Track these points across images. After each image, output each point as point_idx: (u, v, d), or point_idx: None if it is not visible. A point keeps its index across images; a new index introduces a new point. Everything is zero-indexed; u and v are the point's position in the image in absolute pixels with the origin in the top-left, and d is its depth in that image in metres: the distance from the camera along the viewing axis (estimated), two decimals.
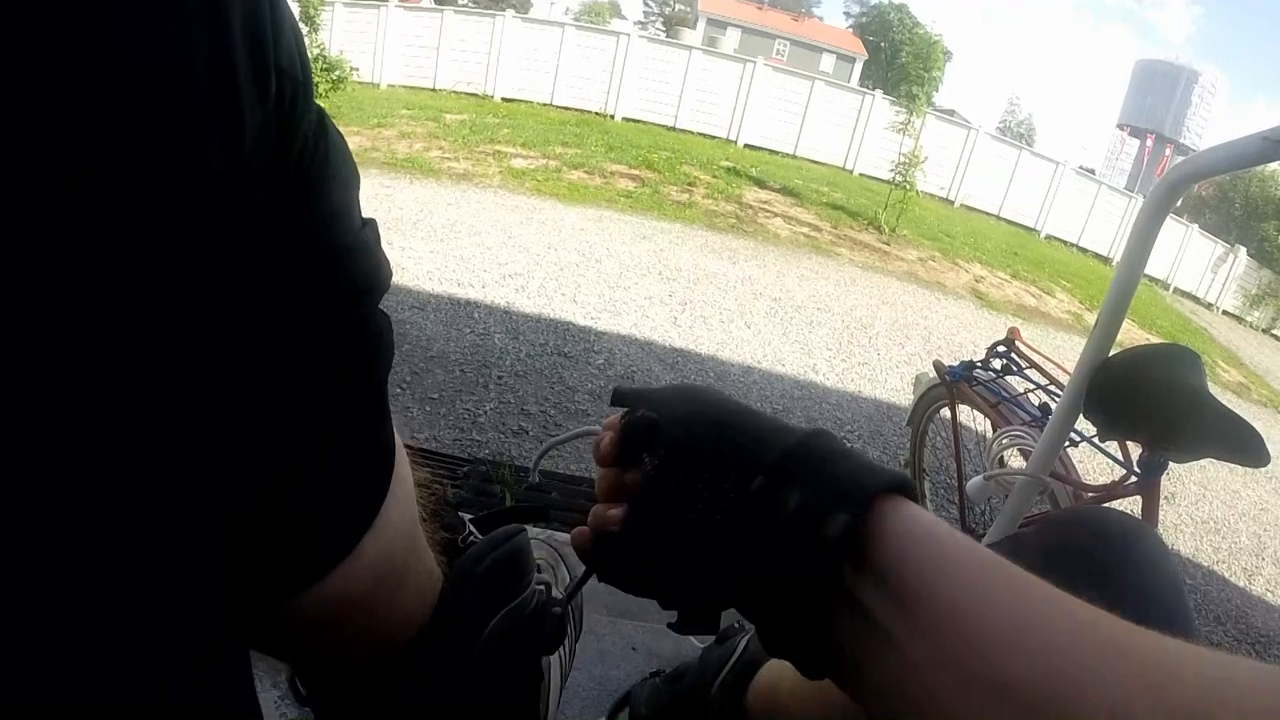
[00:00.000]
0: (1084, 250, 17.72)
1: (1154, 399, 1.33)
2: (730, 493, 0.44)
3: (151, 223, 0.25)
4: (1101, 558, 0.63)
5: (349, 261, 0.36)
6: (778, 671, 0.92)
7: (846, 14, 48.69)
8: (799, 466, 0.43)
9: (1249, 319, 18.75)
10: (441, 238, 6.05)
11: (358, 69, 12.10)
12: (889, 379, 5.16)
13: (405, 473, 0.46)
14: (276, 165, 0.31)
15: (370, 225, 0.38)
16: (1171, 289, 17.91)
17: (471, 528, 0.63)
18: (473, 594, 0.54)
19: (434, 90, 15.35)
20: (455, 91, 15.46)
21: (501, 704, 0.57)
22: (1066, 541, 0.67)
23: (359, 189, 0.38)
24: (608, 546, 0.48)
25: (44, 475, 0.25)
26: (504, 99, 15.54)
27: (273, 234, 0.31)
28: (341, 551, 0.40)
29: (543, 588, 0.63)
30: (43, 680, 0.27)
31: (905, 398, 4.74)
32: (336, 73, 11.25)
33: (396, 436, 0.45)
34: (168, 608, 0.31)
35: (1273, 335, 18.42)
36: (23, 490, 0.25)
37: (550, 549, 0.79)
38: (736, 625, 1.07)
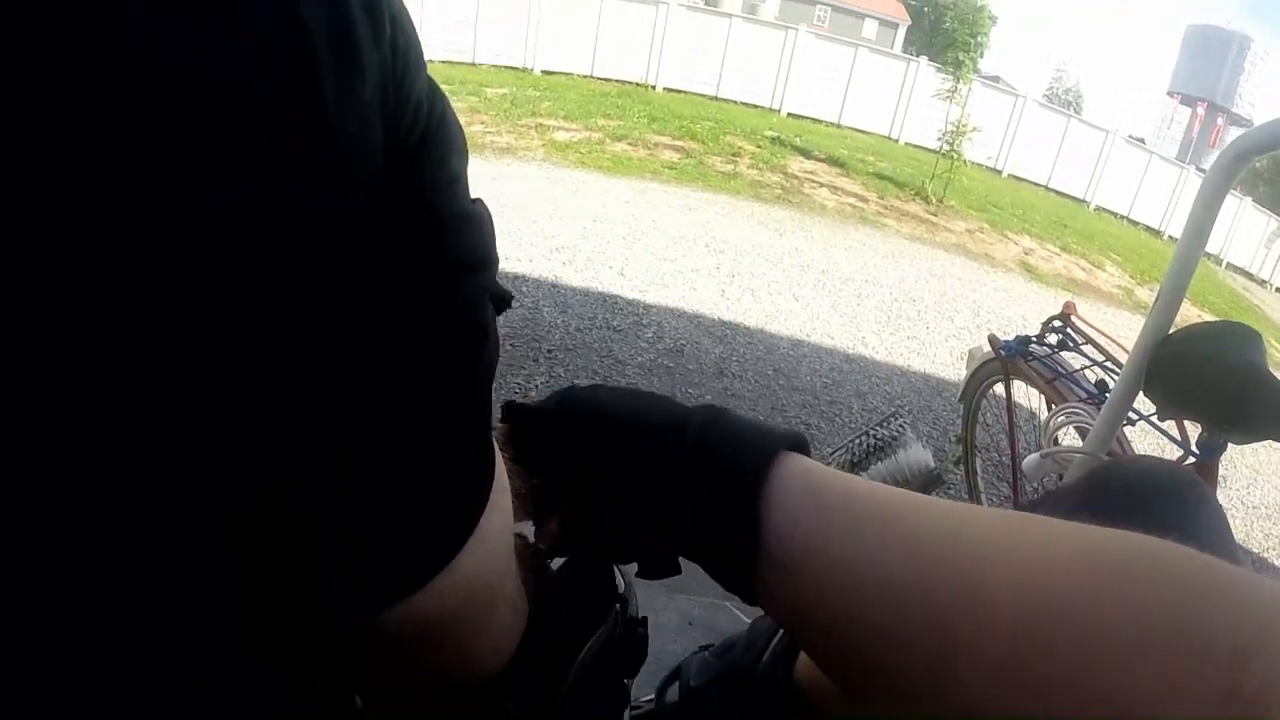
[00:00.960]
0: (1134, 223, 17.33)
1: (1214, 378, 1.33)
2: (653, 459, 0.50)
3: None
4: (1148, 507, 0.64)
5: (464, 230, 0.33)
6: None
7: None
8: (709, 432, 0.49)
9: None
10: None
11: None
12: (938, 353, 5.13)
13: (504, 482, 0.41)
14: (393, 121, 0.28)
15: (481, 203, 0.35)
16: (1224, 264, 17.45)
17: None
18: (563, 619, 0.52)
19: (473, 65, 15.31)
20: (495, 65, 15.42)
21: None
22: (1107, 489, 0.69)
23: (468, 165, 0.35)
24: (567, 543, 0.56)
25: (75, 476, 0.24)
26: (544, 72, 15.47)
27: (388, 195, 0.28)
28: (437, 565, 0.35)
29: (621, 606, 0.59)
30: (40, 683, 0.26)
31: (955, 372, 4.72)
32: None
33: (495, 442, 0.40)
34: (168, 606, 0.28)
35: None
36: (49, 489, 0.23)
37: None
38: None
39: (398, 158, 0.29)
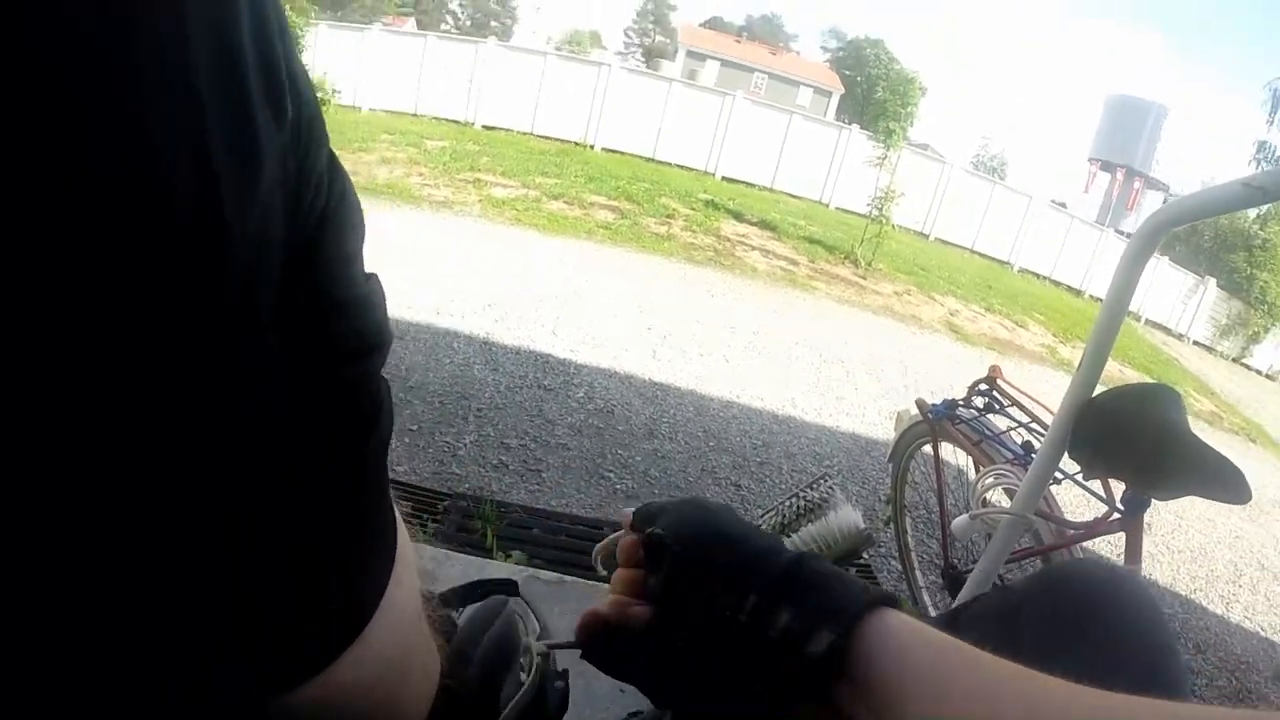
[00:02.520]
0: (1056, 283, 17.97)
1: (1137, 438, 1.35)
2: (726, 609, 0.50)
3: (154, 249, 0.23)
4: (1094, 614, 0.68)
5: (357, 313, 0.33)
6: None
7: (824, 49, 49.56)
8: (789, 588, 0.49)
9: (1219, 349, 19.09)
10: (421, 265, 6.03)
11: (339, 91, 12.10)
12: (866, 413, 5.18)
13: (407, 551, 0.42)
14: (293, 206, 0.28)
15: (375, 279, 0.35)
16: (1143, 320, 18.19)
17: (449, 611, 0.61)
18: (476, 677, 0.53)
19: (415, 115, 15.39)
20: (436, 117, 15.51)
21: None
22: (1058, 598, 0.72)
23: (364, 242, 0.35)
24: (619, 638, 0.54)
25: (34, 481, 0.23)
26: (484, 126, 15.61)
27: (284, 277, 0.28)
28: (344, 641, 0.36)
29: (540, 659, 0.61)
30: (38, 687, 0.26)
31: (883, 432, 4.76)
32: (319, 95, 11.22)
33: (396, 511, 0.41)
34: (166, 609, 0.28)
35: (1243, 364, 18.75)
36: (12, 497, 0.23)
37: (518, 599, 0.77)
38: None
39: (296, 239, 0.28)
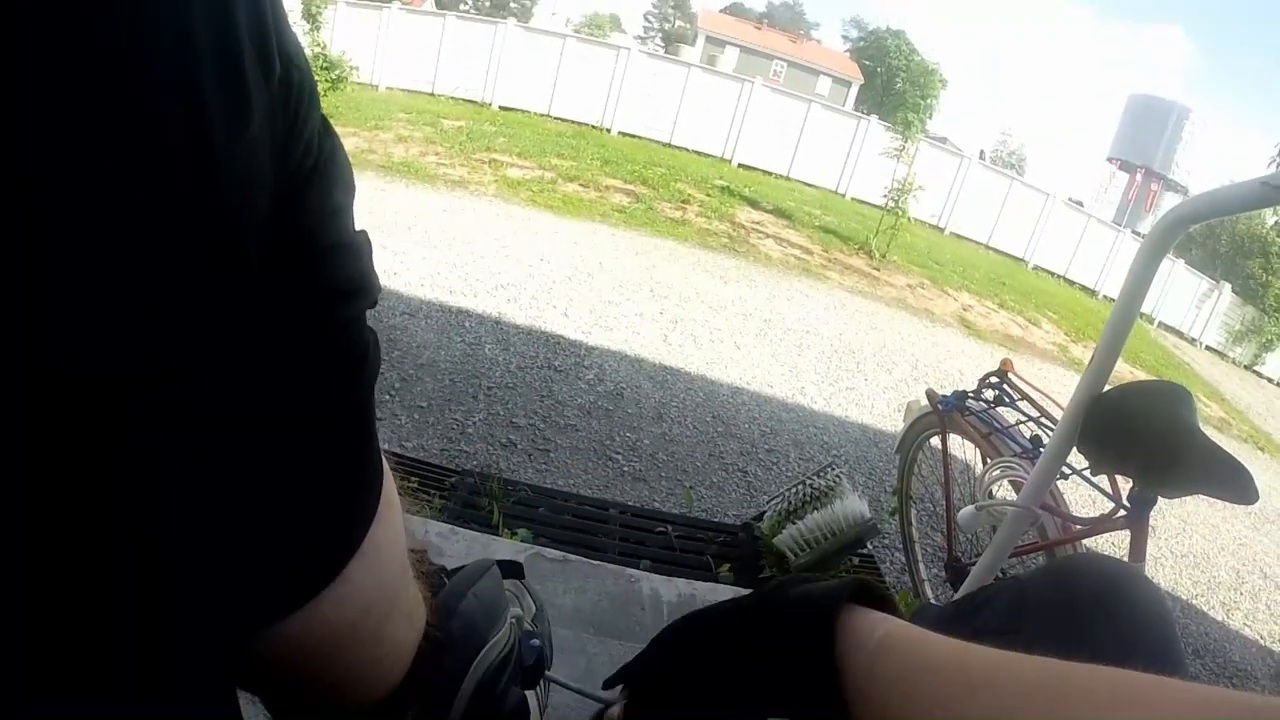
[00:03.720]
0: (1071, 282, 17.87)
1: (1146, 435, 1.35)
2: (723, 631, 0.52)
3: (148, 192, 0.24)
4: (1101, 606, 0.68)
5: (342, 259, 0.34)
6: None
7: (845, 38, 49.13)
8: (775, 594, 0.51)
9: (1231, 355, 18.97)
10: (435, 244, 6.04)
11: (357, 68, 12.11)
12: (875, 404, 5.18)
13: (393, 496, 0.43)
14: (282, 155, 0.30)
15: (364, 234, 0.37)
16: (1156, 323, 18.09)
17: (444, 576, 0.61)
18: (459, 630, 0.53)
19: (432, 95, 15.37)
20: (453, 97, 15.49)
21: None
22: (1064, 591, 0.71)
23: (354, 199, 0.37)
24: None
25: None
26: (501, 107, 15.57)
27: (271, 223, 0.30)
28: (328, 576, 0.37)
29: (515, 620, 0.63)
30: (34, 685, 0.26)
31: (891, 424, 4.76)
32: (336, 72, 11.24)
33: (384, 458, 0.42)
34: (153, 539, 0.29)
35: (1254, 372, 18.62)
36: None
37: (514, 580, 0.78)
38: None
39: (285, 189, 0.30)
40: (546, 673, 0.67)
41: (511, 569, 0.72)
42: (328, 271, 0.33)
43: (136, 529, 0.28)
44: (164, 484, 0.29)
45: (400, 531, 0.44)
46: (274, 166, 0.29)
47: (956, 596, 1.65)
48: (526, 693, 0.61)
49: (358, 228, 0.36)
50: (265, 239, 0.29)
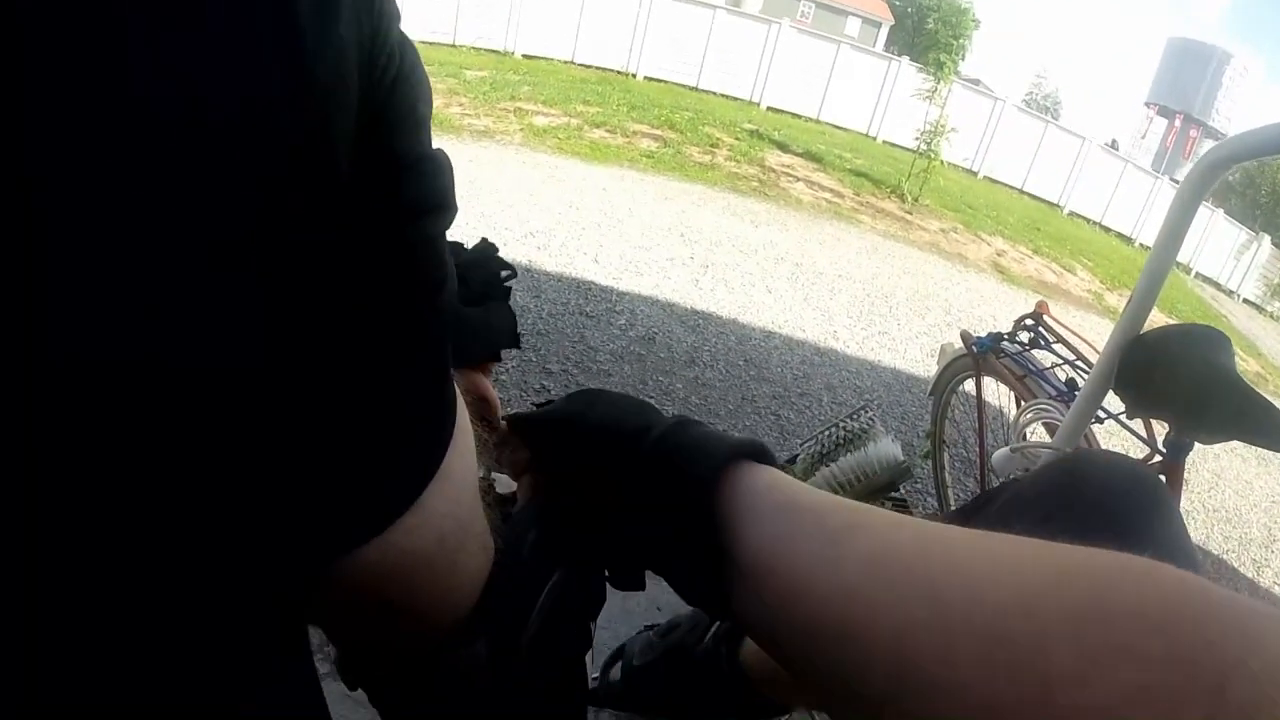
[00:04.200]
0: (1107, 229, 17.57)
1: (1183, 378, 1.34)
2: (614, 468, 0.52)
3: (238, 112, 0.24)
4: (1102, 508, 0.64)
5: (424, 174, 0.34)
6: None
7: None
8: (666, 441, 0.51)
9: (1269, 309, 18.61)
10: (462, 194, 5.90)
11: None
12: (908, 349, 5.16)
13: (465, 422, 0.42)
14: (368, 62, 0.29)
15: (441, 151, 0.36)
16: (1193, 273, 17.76)
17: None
18: (529, 558, 0.54)
19: (454, 46, 15.19)
20: (475, 48, 15.30)
21: (558, 673, 0.57)
22: (1067, 490, 0.67)
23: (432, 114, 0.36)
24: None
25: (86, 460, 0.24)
26: (525, 56, 15.38)
27: (359, 136, 0.29)
28: (404, 502, 0.36)
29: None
30: (94, 677, 0.27)
31: (924, 369, 4.76)
32: None
33: (457, 388, 0.41)
34: (227, 602, 0.30)
35: None
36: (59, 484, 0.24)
37: None
38: None
39: (369, 96, 0.29)
40: None
41: None
42: (410, 186, 0.33)
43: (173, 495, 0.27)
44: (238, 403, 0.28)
45: (473, 458, 0.43)
46: (360, 74, 0.28)
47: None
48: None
49: None
50: (351, 145, 0.29)
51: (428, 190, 0.34)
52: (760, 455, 0.49)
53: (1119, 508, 0.64)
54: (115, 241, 0.22)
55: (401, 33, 0.32)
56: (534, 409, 0.59)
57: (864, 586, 0.39)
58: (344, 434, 0.33)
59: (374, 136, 0.30)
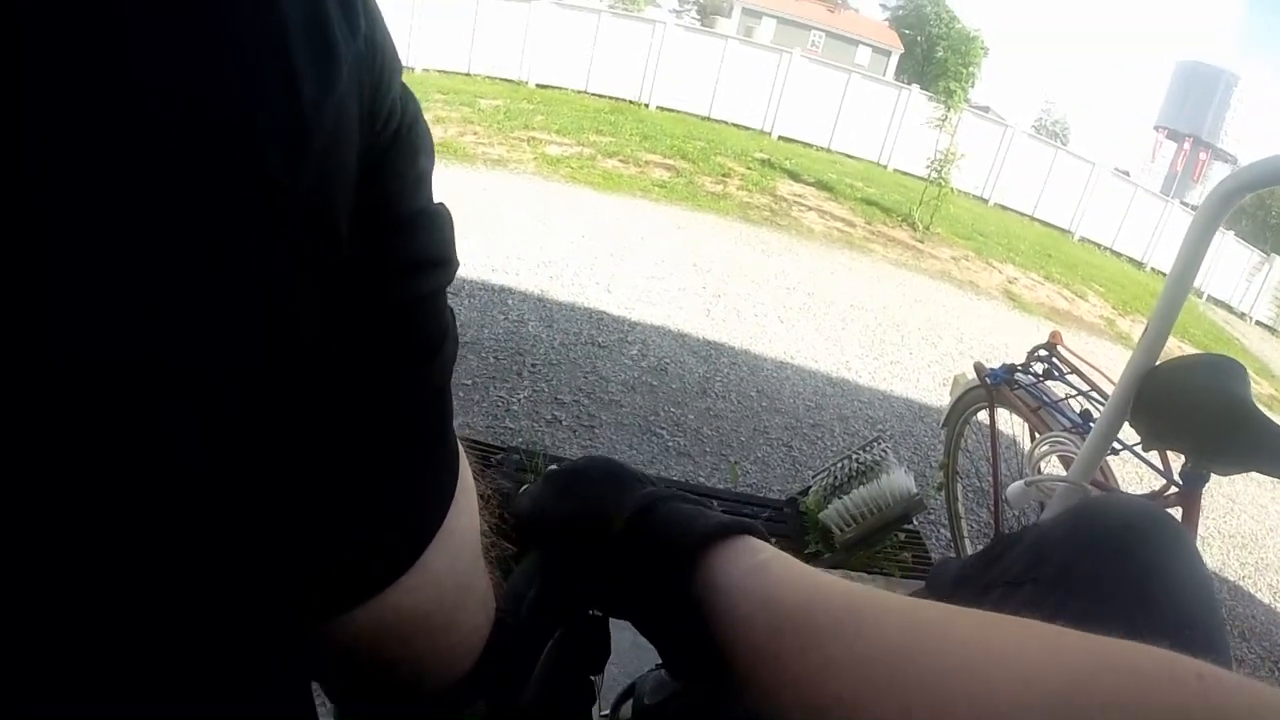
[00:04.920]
0: (1118, 254, 17.52)
1: (1199, 409, 1.33)
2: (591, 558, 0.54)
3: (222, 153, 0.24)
4: (1120, 549, 0.64)
5: (425, 228, 0.34)
6: None
7: (883, 6, 48.25)
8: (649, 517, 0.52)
9: None
10: (476, 223, 6.06)
11: None
12: (921, 379, 5.14)
13: (469, 480, 0.42)
14: (368, 113, 0.29)
15: (443, 205, 0.36)
16: (1205, 297, 17.68)
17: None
18: (528, 613, 0.53)
19: (468, 75, 15.35)
20: (490, 77, 15.45)
21: None
22: (1085, 534, 0.67)
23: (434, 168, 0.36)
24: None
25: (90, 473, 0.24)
26: (538, 85, 15.52)
27: (359, 190, 0.29)
28: (405, 562, 0.36)
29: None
30: (93, 680, 0.27)
31: (937, 398, 4.73)
32: None
33: (460, 444, 0.41)
34: (227, 603, 0.30)
35: None
36: (68, 491, 0.24)
37: None
38: None
39: (370, 152, 0.29)
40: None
41: None
42: (410, 241, 0.33)
43: (171, 524, 0.27)
44: (225, 472, 0.28)
45: (475, 517, 0.43)
46: (361, 129, 0.28)
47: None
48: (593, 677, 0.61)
49: None
50: (351, 206, 0.29)
51: (428, 245, 0.34)
52: (739, 531, 0.50)
53: (1140, 551, 0.64)
54: (115, 241, 0.22)
55: (403, 84, 0.33)
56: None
57: (853, 698, 0.38)
58: (343, 491, 0.33)
59: (374, 190, 0.30)
